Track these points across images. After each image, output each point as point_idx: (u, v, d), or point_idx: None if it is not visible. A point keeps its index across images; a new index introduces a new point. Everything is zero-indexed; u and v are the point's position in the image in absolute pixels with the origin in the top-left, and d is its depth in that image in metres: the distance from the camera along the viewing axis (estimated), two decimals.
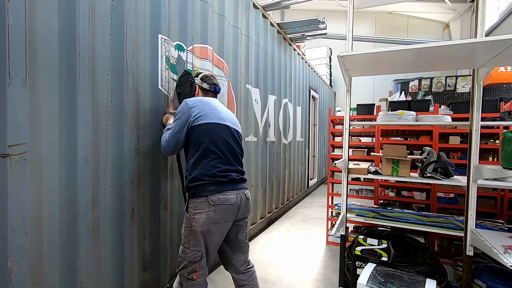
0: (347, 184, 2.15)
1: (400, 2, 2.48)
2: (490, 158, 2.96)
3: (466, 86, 4.66)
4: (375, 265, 1.83)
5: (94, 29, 1.48)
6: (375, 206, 2.89)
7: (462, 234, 1.84)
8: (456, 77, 4.80)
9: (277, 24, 4.18)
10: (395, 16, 8.97)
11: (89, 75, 1.44)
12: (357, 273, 1.87)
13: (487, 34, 5.62)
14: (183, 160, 1.84)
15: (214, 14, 2.60)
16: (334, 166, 2.20)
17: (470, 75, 3.76)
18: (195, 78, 1.83)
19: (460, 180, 2.02)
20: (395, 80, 5.70)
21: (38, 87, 1.24)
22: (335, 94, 9.69)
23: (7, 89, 1.11)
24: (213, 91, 1.81)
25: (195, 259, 1.50)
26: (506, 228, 2.14)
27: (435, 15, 8.35)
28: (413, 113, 2.18)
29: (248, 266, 1.74)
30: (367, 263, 1.87)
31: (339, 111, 7.18)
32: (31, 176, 1.20)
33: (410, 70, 2.35)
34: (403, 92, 4.63)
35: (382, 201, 3.21)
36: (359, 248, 2.00)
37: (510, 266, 1.34)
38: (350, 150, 3.07)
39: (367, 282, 1.64)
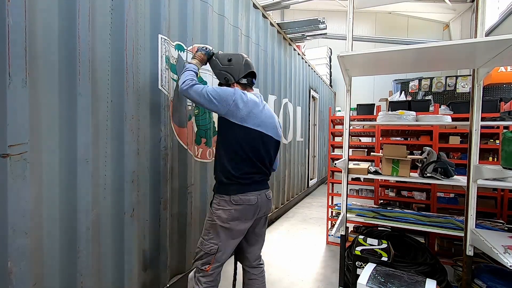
0: (347, 184, 2.15)
1: (400, 2, 2.48)
2: (490, 158, 2.96)
3: (466, 86, 4.66)
4: (375, 265, 1.83)
5: (94, 29, 1.48)
6: (375, 206, 2.89)
7: (462, 234, 1.84)
8: (456, 77, 4.80)
9: (277, 24, 4.18)
10: (395, 16, 8.97)
11: (89, 75, 1.44)
12: (357, 273, 1.87)
13: (487, 34, 5.62)
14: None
15: (214, 14, 2.60)
16: (334, 166, 2.20)
17: (470, 75, 3.77)
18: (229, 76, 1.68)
19: (460, 180, 2.02)
20: (395, 80, 5.70)
21: (38, 87, 1.24)
22: (335, 94, 9.68)
23: (7, 89, 1.11)
24: (251, 84, 1.74)
25: (211, 252, 1.54)
26: (506, 228, 2.14)
27: (435, 15, 8.35)
28: (413, 113, 2.18)
29: (260, 262, 1.79)
30: (367, 263, 1.87)
31: (339, 111, 7.18)
32: (31, 176, 1.20)
33: (410, 70, 2.35)
34: (403, 92, 4.63)
35: (382, 201, 3.21)
36: (359, 248, 2.00)
37: (510, 266, 1.34)
38: (350, 150, 3.07)
39: (367, 282, 1.64)
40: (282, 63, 4.38)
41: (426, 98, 4.20)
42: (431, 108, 2.99)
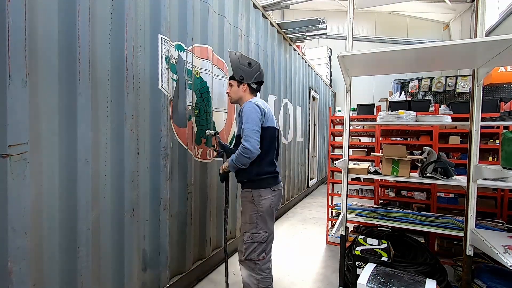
0: (347, 184, 2.15)
1: (400, 2, 2.48)
2: (490, 158, 2.96)
3: (466, 86, 4.66)
4: (375, 265, 1.83)
5: (94, 29, 1.48)
6: (375, 206, 2.89)
7: (462, 234, 1.84)
8: (456, 77, 4.80)
9: (277, 24, 4.18)
10: (395, 16, 8.97)
11: (89, 75, 1.44)
12: (357, 273, 1.87)
13: (487, 34, 5.62)
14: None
15: (214, 14, 2.60)
16: (334, 166, 2.20)
17: (470, 75, 3.76)
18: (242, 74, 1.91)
19: (460, 180, 2.02)
20: (395, 80, 5.70)
21: (38, 87, 1.24)
22: (335, 94, 9.68)
23: (7, 89, 1.11)
24: (258, 91, 2.02)
25: (263, 239, 1.79)
26: (506, 228, 2.14)
27: (435, 15, 8.35)
28: (413, 113, 2.18)
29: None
30: (367, 263, 1.87)
31: (339, 111, 7.18)
32: (31, 176, 1.20)
33: (410, 70, 2.35)
34: (403, 92, 4.63)
35: (382, 201, 3.21)
36: (359, 248, 2.00)
37: (510, 266, 1.34)
38: (350, 150, 3.07)
39: (367, 282, 1.64)
40: (282, 63, 4.38)
41: (426, 98, 4.20)
42: (431, 108, 2.98)
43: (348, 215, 2.29)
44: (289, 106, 4.78)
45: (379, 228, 2.64)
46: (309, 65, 6.08)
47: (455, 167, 2.09)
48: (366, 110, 3.12)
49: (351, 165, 2.35)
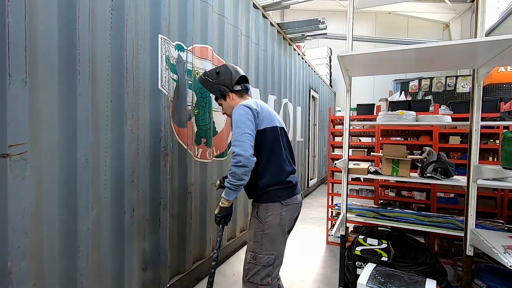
0: (347, 184, 2.15)
1: (400, 2, 2.48)
2: (490, 158, 2.96)
3: (466, 86, 4.66)
4: (375, 265, 1.83)
5: (94, 29, 1.48)
6: (375, 206, 2.89)
7: (462, 234, 1.84)
8: (456, 77, 4.80)
9: (277, 24, 4.18)
10: (395, 16, 8.97)
11: (89, 75, 1.44)
12: (357, 273, 1.87)
13: (487, 34, 5.62)
14: None
15: (214, 14, 2.60)
16: (334, 166, 2.20)
17: (470, 75, 3.76)
18: (222, 85, 1.67)
19: (460, 180, 2.02)
20: (395, 80, 5.70)
21: (38, 87, 1.24)
22: (335, 94, 9.68)
23: (7, 89, 1.11)
24: (246, 90, 1.72)
25: (269, 263, 1.48)
26: (506, 228, 2.14)
27: (435, 15, 8.35)
28: (413, 113, 2.18)
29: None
30: (367, 263, 1.87)
31: (339, 111, 7.18)
32: (31, 176, 1.20)
33: (410, 70, 2.35)
34: (403, 92, 4.63)
35: (382, 201, 3.21)
36: (359, 248, 2.00)
37: (510, 266, 1.34)
38: (350, 150, 3.07)
39: (367, 282, 1.64)
40: (282, 63, 4.38)
41: (426, 98, 4.20)
42: (431, 108, 2.99)
43: (348, 215, 2.29)
44: (289, 106, 4.78)
45: (379, 228, 2.64)
46: (309, 65, 6.08)
47: (455, 167, 2.09)
48: (366, 110, 3.12)
49: (351, 165, 2.35)
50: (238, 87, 1.67)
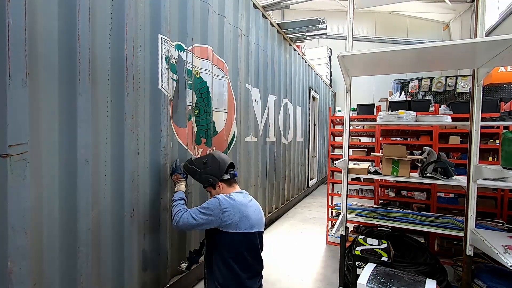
0: (347, 184, 2.15)
1: (400, 2, 2.48)
2: (490, 158, 2.96)
3: (466, 86, 4.66)
4: (375, 265, 1.83)
5: (94, 29, 1.48)
6: (375, 206, 2.89)
7: (462, 234, 1.84)
8: (456, 77, 4.80)
9: (277, 24, 4.18)
10: (395, 16, 8.97)
11: (89, 75, 1.44)
12: (357, 273, 1.87)
13: (487, 34, 5.62)
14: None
15: (214, 14, 2.60)
16: (334, 166, 2.20)
17: (470, 75, 3.76)
18: (208, 165, 1.73)
19: (460, 180, 2.02)
20: (395, 80, 5.69)
21: (38, 87, 1.24)
22: (335, 94, 9.68)
23: (7, 89, 1.11)
24: (234, 177, 1.75)
25: None
26: (506, 228, 2.14)
27: (435, 15, 8.34)
28: (413, 113, 2.18)
29: None
30: (367, 263, 1.87)
31: (339, 111, 7.17)
32: (31, 176, 1.20)
33: (410, 70, 2.35)
34: (403, 92, 4.63)
35: (382, 201, 3.21)
36: (359, 248, 2.00)
37: (510, 266, 1.34)
38: (350, 150, 3.07)
39: (367, 282, 1.64)
40: (282, 63, 4.38)
41: (426, 98, 4.20)
42: (431, 108, 2.98)
43: (348, 215, 2.29)
44: (289, 106, 4.78)
45: (379, 228, 2.64)
46: (309, 65, 6.08)
47: (455, 167, 2.08)
48: (366, 110, 3.12)
49: (351, 165, 2.35)
50: (226, 176, 1.70)
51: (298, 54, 5.27)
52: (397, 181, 2.86)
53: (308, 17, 4.25)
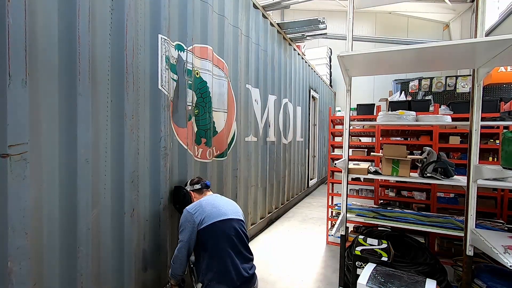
0: (347, 184, 2.15)
1: (400, 2, 2.48)
2: (490, 158, 2.96)
3: (466, 86, 4.66)
4: (375, 265, 1.83)
5: (94, 29, 1.48)
6: (375, 206, 2.89)
7: (462, 234, 1.84)
8: (456, 77, 4.80)
9: (277, 24, 4.18)
10: (395, 16, 8.96)
11: (89, 75, 1.44)
12: (357, 273, 1.87)
13: (487, 34, 5.61)
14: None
15: (214, 14, 2.60)
16: (334, 166, 2.20)
17: (470, 75, 3.76)
18: (185, 187, 2.01)
19: (460, 180, 2.02)
20: (395, 80, 5.69)
21: (38, 87, 1.24)
22: (335, 94, 9.68)
23: (7, 89, 1.11)
24: (206, 187, 1.97)
25: None
26: (506, 228, 2.14)
27: (435, 15, 8.34)
28: (413, 113, 2.18)
29: None
30: (367, 263, 1.87)
31: (339, 111, 7.18)
32: (31, 176, 1.20)
33: (410, 70, 2.35)
34: (403, 92, 4.63)
35: (382, 201, 3.21)
36: (359, 248, 2.00)
37: (510, 266, 1.34)
38: (350, 150, 3.07)
39: (367, 282, 1.64)
40: (282, 63, 4.38)
41: (426, 98, 4.20)
42: (431, 108, 2.98)
43: (348, 215, 2.29)
44: (289, 106, 4.78)
45: (379, 228, 2.64)
46: (309, 65, 6.08)
47: (455, 167, 2.08)
48: (366, 110, 3.12)
49: (351, 165, 2.35)
50: (197, 186, 1.96)
51: (298, 54, 5.27)
52: (397, 181, 2.86)
53: (308, 17, 4.25)
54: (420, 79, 5.05)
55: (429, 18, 8.53)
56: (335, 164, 2.06)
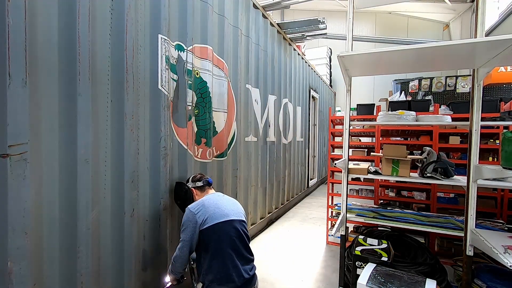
0: (347, 184, 2.15)
1: (400, 2, 2.48)
2: (490, 158, 2.96)
3: (466, 86, 4.66)
4: (375, 265, 1.83)
5: (94, 29, 1.48)
6: (375, 206, 2.89)
7: (462, 234, 1.84)
8: (456, 77, 4.80)
9: (277, 24, 4.18)
10: (395, 16, 8.96)
11: (89, 75, 1.44)
12: (357, 273, 1.87)
13: (487, 34, 5.61)
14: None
15: (214, 14, 2.60)
16: (334, 166, 2.20)
17: (470, 75, 3.76)
18: (187, 184, 1.97)
19: (460, 180, 2.02)
20: (395, 80, 5.69)
21: (38, 87, 1.24)
22: (335, 94, 9.68)
23: (7, 89, 1.11)
24: (208, 184, 1.92)
25: None
26: (506, 228, 2.14)
27: (435, 15, 8.34)
28: (413, 113, 2.18)
29: None
30: (367, 263, 1.87)
31: (339, 111, 7.18)
32: (31, 176, 1.20)
33: (410, 70, 2.35)
34: (403, 92, 4.63)
35: (382, 201, 3.21)
36: (359, 248, 2.00)
37: (510, 266, 1.34)
38: (350, 150, 3.07)
39: (367, 282, 1.64)
40: (282, 63, 4.38)
41: (426, 98, 4.20)
42: (431, 108, 2.98)
43: (348, 215, 2.29)
44: (289, 106, 4.78)
45: (379, 228, 2.64)
46: (309, 65, 6.08)
47: (455, 167, 2.08)
48: (366, 110, 3.12)
49: (351, 165, 2.35)
50: (199, 183, 1.90)
51: (298, 54, 5.27)
52: (397, 181, 2.86)
53: (308, 17, 4.25)
54: (420, 79, 5.05)
55: (429, 18, 8.53)
56: (335, 164, 2.06)
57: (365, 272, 1.74)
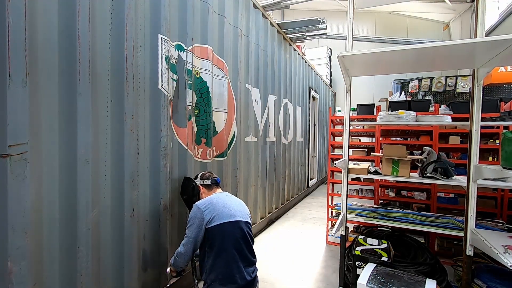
0: (347, 184, 2.15)
1: (400, 2, 2.48)
2: (490, 158, 2.96)
3: (466, 86, 4.66)
4: (375, 265, 1.83)
5: (94, 29, 1.48)
6: (375, 206, 2.89)
7: (462, 234, 1.84)
8: (456, 77, 4.80)
9: (277, 24, 4.18)
10: (395, 16, 8.96)
11: (89, 75, 1.44)
12: (357, 273, 1.87)
13: (487, 34, 5.61)
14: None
15: (214, 14, 2.60)
16: (334, 166, 2.20)
17: (470, 75, 3.76)
18: (195, 180, 1.96)
19: (460, 180, 2.02)
20: (395, 80, 5.69)
21: (38, 87, 1.24)
22: (335, 94, 9.68)
23: (7, 89, 1.11)
24: (216, 183, 1.90)
25: None
26: (506, 228, 2.14)
27: (435, 15, 8.34)
28: (413, 113, 2.18)
29: None
30: (367, 263, 1.87)
31: (339, 111, 7.18)
32: (31, 176, 1.20)
33: (410, 70, 2.35)
34: (403, 92, 4.63)
35: (382, 201, 3.21)
36: (359, 248, 2.00)
37: (510, 266, 1.34)
38: (350, 150, 3.07)
39: (367, 282, 1.64)
40: (282, 63, 4.38)
41: (426, 98, 4.20)
42: (431, 108, 2.98)
43: (348, 215, 2.29)
44: (289, 106, 4.78)
45: (379, 228, 2.64)
46: (309, 65, 6.08)
47: (455, 167, 2.08)
48: (366, 110, 3.12)
49: (351, 165, 2.35)
50: (207, 182, 1.88)
51: (298, 54, 5.27)
52: (397, 181, 2.86)
53: (308, 17, 4.25)
54: (420, 79, 5.05)
55: (429, 18, 8.53)
56: (335, 164, 2.06)
57: (365, 272, 1.74)
